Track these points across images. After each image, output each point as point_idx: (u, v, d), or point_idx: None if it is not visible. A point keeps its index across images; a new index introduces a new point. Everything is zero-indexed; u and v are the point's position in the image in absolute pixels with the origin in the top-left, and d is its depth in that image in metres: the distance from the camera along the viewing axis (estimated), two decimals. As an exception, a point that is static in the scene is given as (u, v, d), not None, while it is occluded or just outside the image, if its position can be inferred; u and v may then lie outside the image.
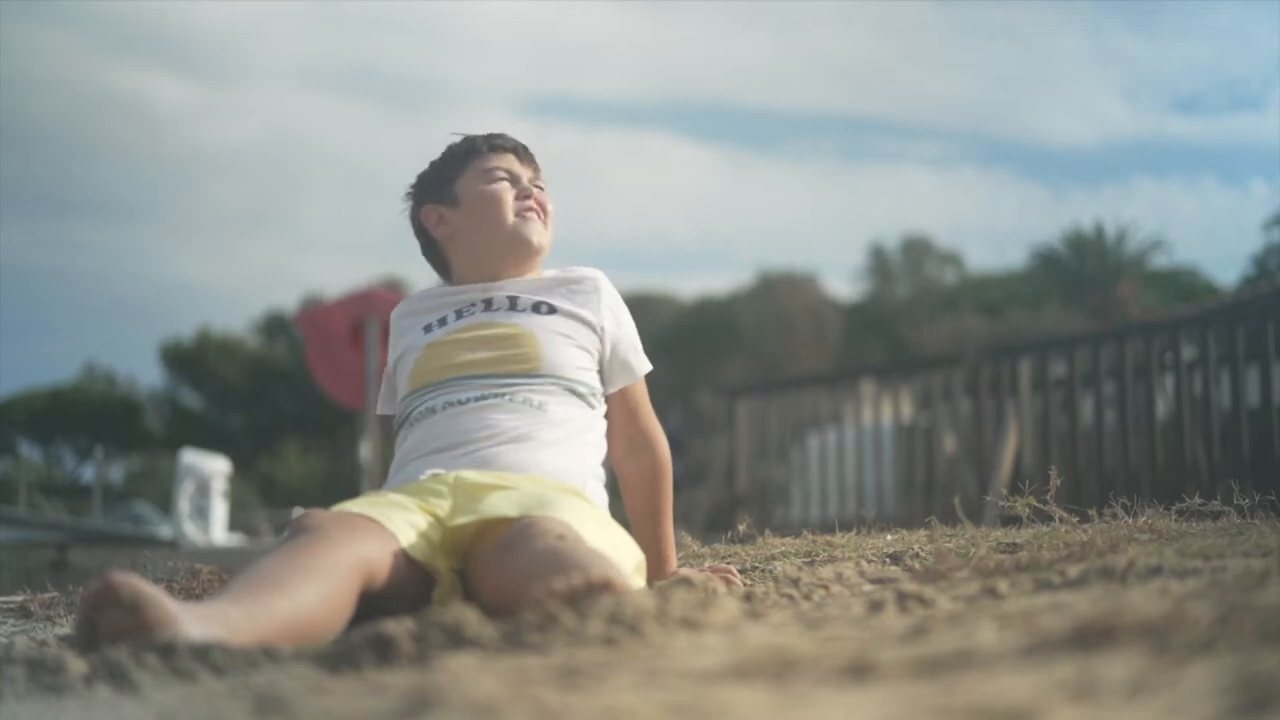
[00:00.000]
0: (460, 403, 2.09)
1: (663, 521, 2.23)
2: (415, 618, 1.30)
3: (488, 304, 2.21)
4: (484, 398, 2.08)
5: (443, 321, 2.22)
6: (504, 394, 2.08)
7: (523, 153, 2.31)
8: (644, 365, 2.23)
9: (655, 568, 2.17)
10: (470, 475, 1.94)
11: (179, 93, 55.47)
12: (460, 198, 2.26)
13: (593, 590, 1.39)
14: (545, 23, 57.10)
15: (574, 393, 2.12)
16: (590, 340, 2.17)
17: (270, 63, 56.83)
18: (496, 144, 2.29)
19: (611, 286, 2.26)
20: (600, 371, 2.19)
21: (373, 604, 1.70)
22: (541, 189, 2.29)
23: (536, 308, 2.18)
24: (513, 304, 2.19)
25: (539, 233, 2.25)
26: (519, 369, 2.10)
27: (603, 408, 2.18)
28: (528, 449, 2.03)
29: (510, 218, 2.23)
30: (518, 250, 2.24)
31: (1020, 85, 56.23)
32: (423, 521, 1.83)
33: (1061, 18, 55.23)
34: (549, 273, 2.28)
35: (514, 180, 2.26)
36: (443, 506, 1.88)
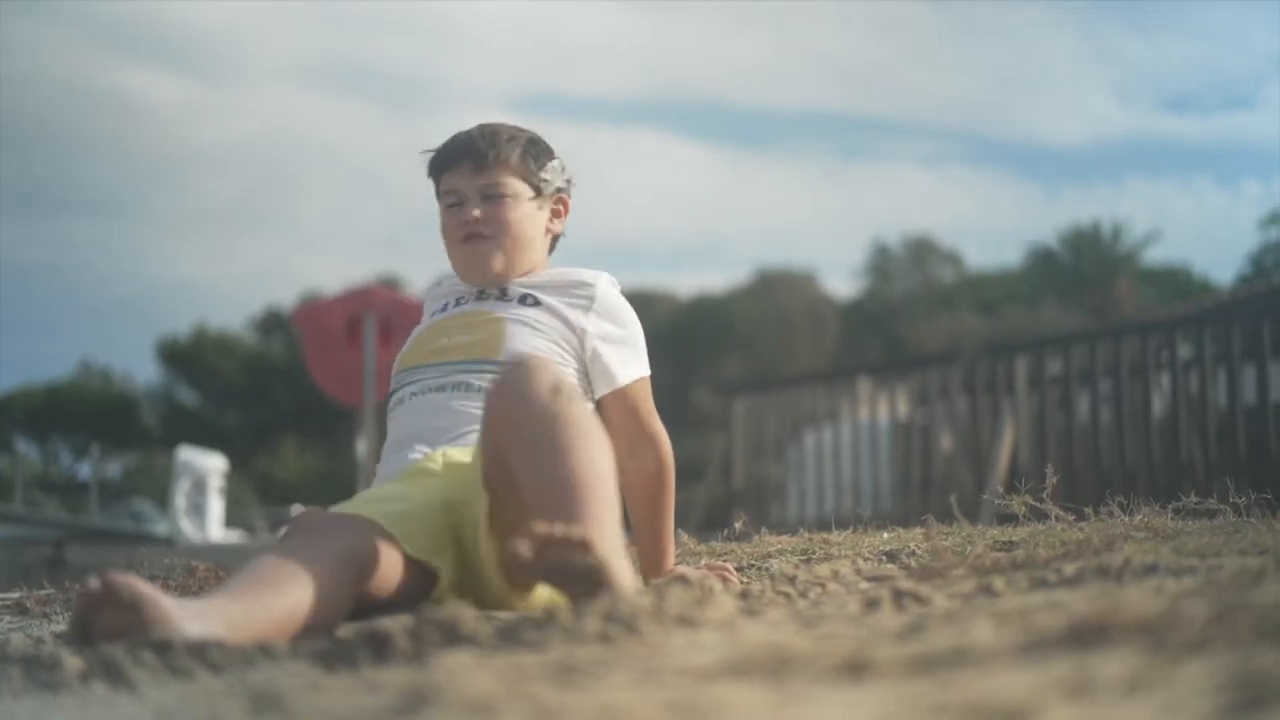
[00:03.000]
0: (422, 393, 2.11)
1: (664, 522, 2.21)
2: (412, 615, 1.30)
3: (482, 294, 2.22)
4: (443, 388, 2.10)
5: (444, 308, 2.26)
6: (463, 383, 2.09)
7: (472, 160, 2.19)
8: (627, 374, 2.16)
9: (653, 566, 2.17)
10: (455, 454, 1.96)
11: (176, 91, 55.43)
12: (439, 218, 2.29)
13: (570, 542, 1.44)
14: (543, 22, 57.07)
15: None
16: (564, 336, 2.14)
17: (267, 61, 56.78)
18: (445, 161, 2.22)
19: (615, 293, 2.21)
20: (584, 373, 2.16)
21: (372, 603, 1.71)
22: (502, 195, 2.18)
23: (523, 299, 2.18)
24: (503, 294, 2.19)
25: (484, 255, 2.18)
26: (485, 355, 2.10)
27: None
28: (462, 437, 2.03)
29: (457, 246, 2.21)
30: (470, 276, 2.22)
31: (1015, 84, 56.30)
32: (421, 513, 1.83)
33: (1056, 17, 55.27)
34: (560, 269, 2.26)
35: (462, 201, 2.19)
36: (441, 488, 1.89)
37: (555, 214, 2.28)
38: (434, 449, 2.02)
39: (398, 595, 1.76)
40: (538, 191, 2.22)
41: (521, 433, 1.73)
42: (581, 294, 2.18)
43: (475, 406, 2.02)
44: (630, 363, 2.18)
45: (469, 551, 1.85)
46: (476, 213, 2.17)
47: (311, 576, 1.62)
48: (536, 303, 2.17)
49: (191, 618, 1.42)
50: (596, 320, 2.16)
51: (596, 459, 1.70)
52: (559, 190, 2.27)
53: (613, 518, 1.66)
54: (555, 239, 2.32)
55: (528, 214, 2.21)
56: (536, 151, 2.24)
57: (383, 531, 1.76)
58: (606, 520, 1.63)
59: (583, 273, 2.22)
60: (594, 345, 2.15)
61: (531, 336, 2.11)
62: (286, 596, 1.57)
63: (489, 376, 2.06)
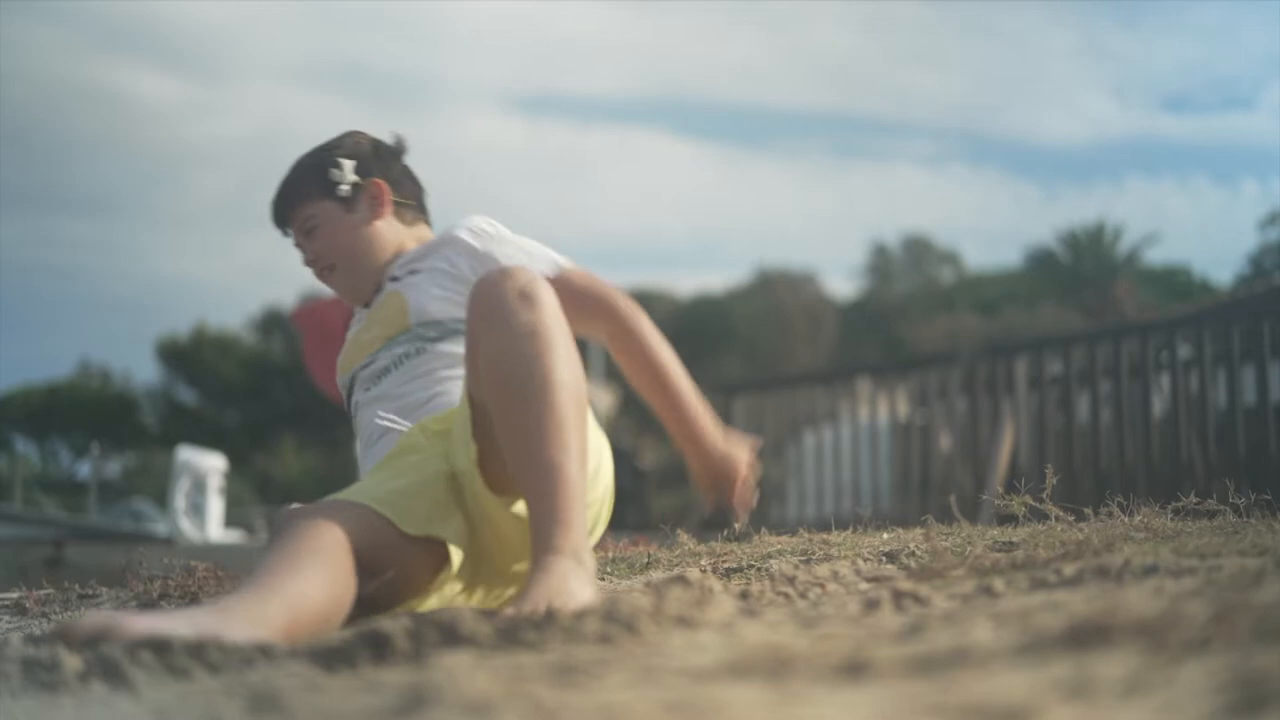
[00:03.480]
0: (370, 387, 2.16)
1: (665, 379, 2.07)
2: (411, 616, 1.30)
3: (378, 289, 2.25)
4: (385, 371, 2.13)
5: (360, 319, 2.30)
6: (397, 359, 2.12)
7: (282, 209, 2.27)
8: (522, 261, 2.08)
9: (680, 425, 2.07)
10: (432, 424, 1.97)
11: (172, 89, 55.51)
12: None
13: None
14: (538, 19, 57.19)
15: (447, 326, 2.11)
16: (450, 267, 2.14)
17: (263, 59, 56.84)
18: (273, 222, 2.30)
19: (486, 223, 2.17)
20: None
21: (382, 589, 1.70)
22: (314, 228, 2.23)
23: (412, 272, 2.20)
24: (393, 279, 2.21)
25: (339, 287, 2.28)
26: (399, 328, 2.13)
27: None
28: (433, 400, 2.05)
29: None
30: (347, 303, 2.34)
31: (1013, 84, 56.47)
32: (416, 489, 1.82)
33: (1052, 16, 55.43)
34: (435, 236, 2.28)
35: (300, 247, 2.28)
36: (437, 458, 1.89)
37: (374, 200, 2.25)
38: (408, 425, 2.03)
39: (406, 576, 1.75)
40: (340, 199, 2.23)
41: (494, 359, 1.72)
42: (456, 235, 2.18)
43: (422, 367, 2.07)
44: (528, 256, 2.11)
45: (473, 517, 1.83)
46: (309, 255, 2.26)
47: (326, 562, 1.60)
48: (417, 272, 2.18)
49: (189, 621, 1.40)
50: (469, 236, 2.15)
51: (566, 410, 1.68)
52: (359, 182, 2.25)
53: (581, 506, 1.66)
54: (415, 211, 2.31)
55: (344, 227, 2.24)
56: (321, 163, 2.24)
57: (374, 514, 1.73)
58: (575, 519, 1.64)
59: (451, 228, 2.22)
60: (477, 257, 2.12)
61: (430, 289, 2.12)
62: (304, 583, 1.56)
63: (415, 343, 2.10)
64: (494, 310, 1.73)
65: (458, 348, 2.06)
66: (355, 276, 2.25)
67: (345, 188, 2.23)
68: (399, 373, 2.11)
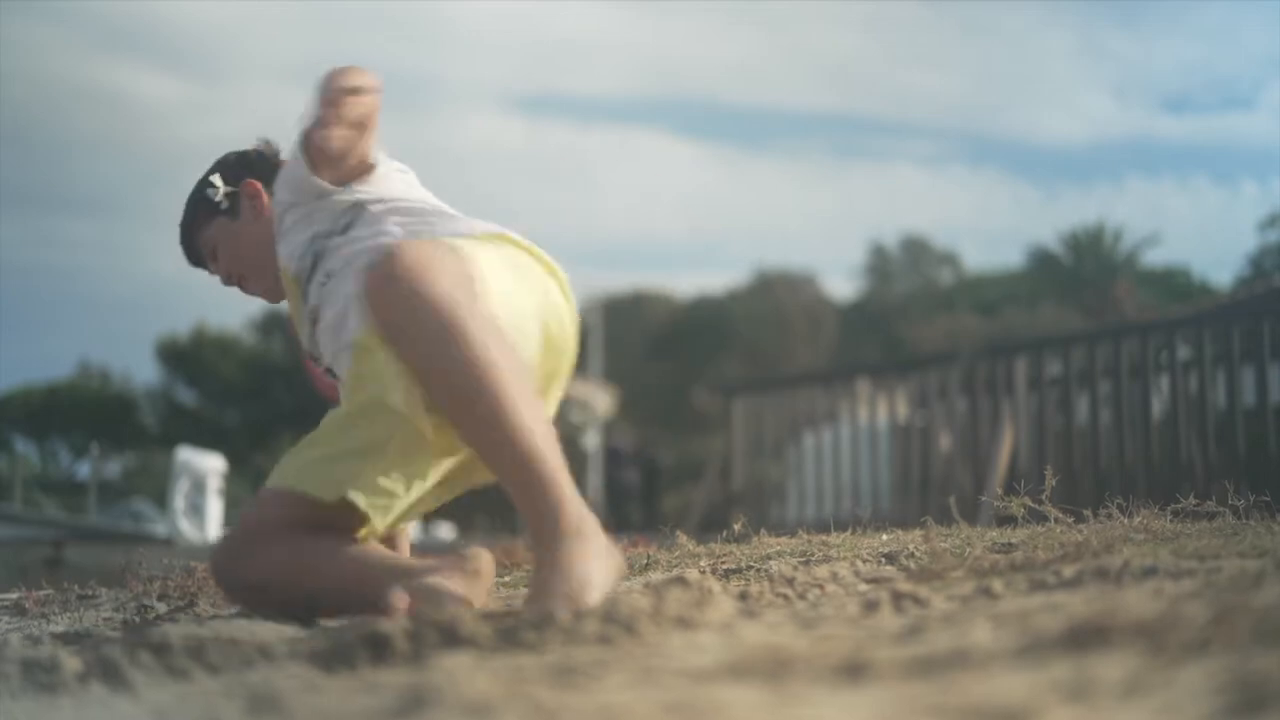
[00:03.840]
0: (321, 343, 2.17)
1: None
2: (411, 617, 1.30)
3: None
4: (315, 321, 2.15)
5: None
6: (317, 309, 2.13)
7: (199, 248, 2.38)
8: (296, 167, 2.11)
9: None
10: (364, 338, 1.96)
11: (172, 89, 55.55)
12: None
13: None
14: (538, 19, 57.21)
15: (317, 237, 2.12)
16: (279, 207, 2.18)
17: (263, 59, 56.88)
18: (195, 264, 2.42)
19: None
20: (322, 207, 2.13)
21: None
22: (216, 248, 2.34)
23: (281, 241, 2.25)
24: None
25: (255, 293, 2.38)
26: (297, 289, 2.18)
27: (351, 215, 2.11)
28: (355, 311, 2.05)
29: None
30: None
31: (1012, 84, 56.48)
32: (328, 449, 1.92)
33: (1051, 16, 55.46)
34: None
35: (218, 274, 2.38)
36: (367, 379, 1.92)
37: (252, 200, 2.34)
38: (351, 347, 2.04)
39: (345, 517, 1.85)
40: (224, 212, 2.35)
41: (416, 363, 1.73)
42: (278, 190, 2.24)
43: (333, 286, 2.05)
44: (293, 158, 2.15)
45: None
46: (223, 275, 2.37)
47: (334, 544, 1.85)
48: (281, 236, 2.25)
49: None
50: (282, 178, 2.19)
51: (507, 389, 1.67)
52: (233, 189, 2.34)
53: (564, 477, 1.67)
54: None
55: (237, 239, 2.35)
56: (197, 191, 2.38)
57: (293, 495, 1.87)
58: (565, 496, 1.65)
59: None
60: (286, 192, 2.16)
61: (283, 236, 2.17)
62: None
63: (313, 280, 2.12)
64: (395, 315, 1.72)
65: (341, 242, 2.08)
66: (263, 275, 2.32)
67: (222, 200, 2.34)
68: (325, 306, 2.11)
